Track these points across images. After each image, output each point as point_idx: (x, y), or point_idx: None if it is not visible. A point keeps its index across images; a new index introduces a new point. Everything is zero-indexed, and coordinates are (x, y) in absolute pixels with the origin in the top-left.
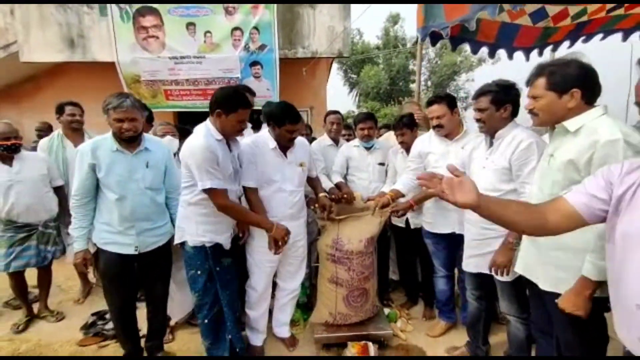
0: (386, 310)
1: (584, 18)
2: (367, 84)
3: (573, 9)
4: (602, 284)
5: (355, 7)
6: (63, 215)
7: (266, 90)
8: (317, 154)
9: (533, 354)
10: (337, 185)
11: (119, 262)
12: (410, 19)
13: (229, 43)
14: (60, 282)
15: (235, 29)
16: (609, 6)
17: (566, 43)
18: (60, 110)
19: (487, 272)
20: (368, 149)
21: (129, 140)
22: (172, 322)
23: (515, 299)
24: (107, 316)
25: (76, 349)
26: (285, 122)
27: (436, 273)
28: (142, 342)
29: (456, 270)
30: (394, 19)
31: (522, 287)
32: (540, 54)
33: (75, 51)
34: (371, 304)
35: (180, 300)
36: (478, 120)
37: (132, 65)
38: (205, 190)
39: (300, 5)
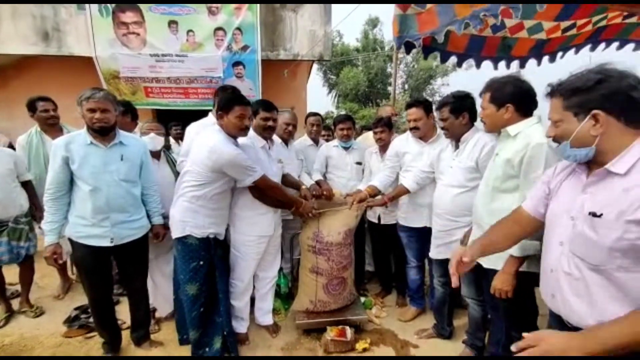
0: (362, 299)
1: (542, 36)
2: (346, 86)
3: (527, 23)
4: (528, 260)
5: (336, 12)
6: (34, 210)
7: (249, 90)
8: (299, 154)
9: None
10: (317, 183)
11: (94, 255)
12: (389, 23)
13: (211, 43)
14: (35, 279)
15: (218, 29)
16: (563, 26)
17: (533, 61)
18: (32, 107)
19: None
20: (346, 149)
21: (101, 132)
22: (157, 315)
23: (474, 283)
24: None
25: (62, 340)
26: (259, 110)
27: (408, 264)
28: (128, 333)
29: (426, 262)
30: (373, 23)
31: (480, 274)
32: (508, 66)
33: (49, 44)
34: (348, 292)
35: (167, 294)
36: (442, 128)
37: (111, 61)
38: (255, 183)
39: (282, 8)
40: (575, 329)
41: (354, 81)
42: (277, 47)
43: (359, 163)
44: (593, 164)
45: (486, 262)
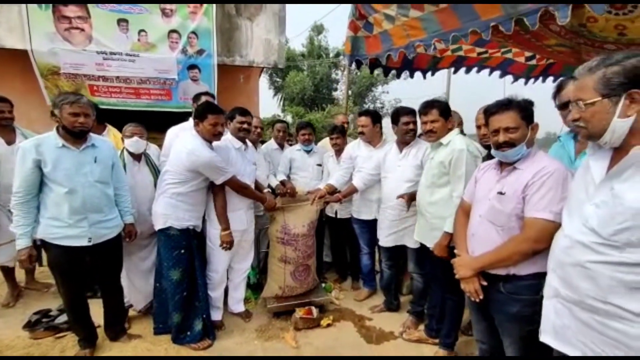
0: (323, 285)
1: (461, 53)
2: (292, 89)
3: (452, 47)
4: None
5: (290, 21)
6: None
7: None
8: (267, 157)
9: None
10: (282, 182)
11: (70, 255)
12: (333, 30)
13: (165, 44)
14: None
15: (173, 31)
16: (478, 50)
17: (452, 69)
18: None
19: (402, 244)
20: (308, 152)
21: (79, 135)
22: (133, 309)
23: (418, 261)
24: (53, 313)
25: (31, 342)
26: (235, 115)
27: (361, 251)
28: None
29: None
30: (319, 29)
31: (423, 254)
32: (433, 74)
33: None
34: (312, 278)
35: (142, 289)
36: (410, 131)
37: (50, 56)
38: (225, 182)
39: (238, 16)
40: (487, 273)
41: (300, 85)
42: (233, 53)
43: (319, 165)
44: (505, 164)
45: (429, 243)
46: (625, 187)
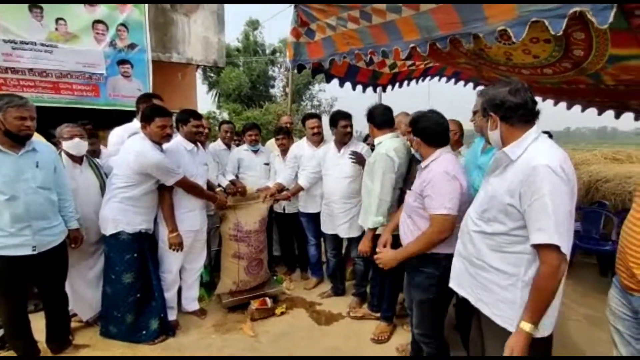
0: (274, 277)
1: (396, 70)
2: (228, 86)
3: (388, 61)
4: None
5: (228, 19)
6: None
7: (137, 90)
8: (215, 157)
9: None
10: (232, 182)
11: (11, 265)
12: (268, 26)
13: (89, 36)
14: None
15: (98, 22)
16: (408, 64)
17: (390, 87)
18: None
19: (341, 235)
20: (255, 152)
21: (22, 140)
22: (78, 319)
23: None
24: None
25: None
26: (189, 119)
27: (309, 242)
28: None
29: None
30: (254, 25)
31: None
32: (375, 91)
33: None
34: (264, 271)
35: (89, 299)
36: (348, 133)
37: None
38: (176, 183)
39: (173, 11)
40: None
41: (237, 82)
42: (169, 49)
43: (266, 164)
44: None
45: (366, 226)
46: (493, 180)
